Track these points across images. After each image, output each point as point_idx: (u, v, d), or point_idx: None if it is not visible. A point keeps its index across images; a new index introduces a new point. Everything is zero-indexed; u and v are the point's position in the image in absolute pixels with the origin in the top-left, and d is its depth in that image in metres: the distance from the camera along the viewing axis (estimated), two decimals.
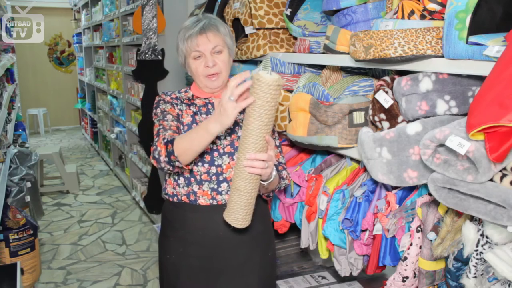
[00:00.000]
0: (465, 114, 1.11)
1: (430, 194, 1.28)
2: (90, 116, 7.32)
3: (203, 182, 1.47)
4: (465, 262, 1.13)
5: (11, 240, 2.60)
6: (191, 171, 1.47)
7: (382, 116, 1.34)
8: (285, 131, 1.77)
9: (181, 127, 1.49)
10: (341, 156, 1.74)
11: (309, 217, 1.65)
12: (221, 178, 1.47)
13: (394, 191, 1.41)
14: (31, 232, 2.70)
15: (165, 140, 1.35)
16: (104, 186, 5.28)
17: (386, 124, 1.33)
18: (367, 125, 1.47)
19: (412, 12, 1.19)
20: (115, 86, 5.10)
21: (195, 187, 1.48)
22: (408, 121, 1.27)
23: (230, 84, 1.16)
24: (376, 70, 1.66)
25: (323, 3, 1.54)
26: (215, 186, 1.47)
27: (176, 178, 1.51)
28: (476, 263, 1.08)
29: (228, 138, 1.49)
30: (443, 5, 1.12)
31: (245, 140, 1.19)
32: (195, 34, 1.46)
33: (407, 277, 1.29)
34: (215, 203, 1.48)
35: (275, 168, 1.41)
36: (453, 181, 1.02)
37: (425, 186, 1.29)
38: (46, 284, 3.05)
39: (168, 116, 1.47)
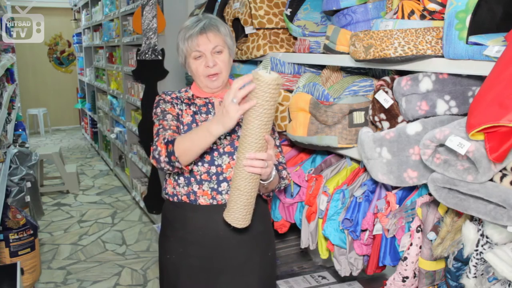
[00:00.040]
0: (465, 114, 1.11)
1: (430, 194, 1.28)
2: (90, 116, 7.32)
3: (203, 182, 1.47)
4: (465, 262, 1.13)
5: (11, 240, 2.60)
6: (191, 171, 1.47)
7: (382, 116, 1.34)
8: (285, 131, 1.77)
9: (181, 127, 1.49)
10: (341, 156, 1.74)
11: (309, 217, 1.65)
12: (221, 177, 1.47)
13: (394, 191, 1.41)
14: (31, 232, 2.70)
15: (166, 140, 1.35)
16: (104, 186, 5.28)
17: (386, 124, 1.33)
18: (367, 125, 1.47)
19: (412, 12, 1.19)
20: (115, 86, 5.10)
21: (195, 187, 1.48)
22: (408, 121, 1.27)
23: (233, 87, 1.16)
24: (376, 70, 1.66)
25: (323, 3, 1.54)
26: (215, 186, 1.47)
27: (176, 178, 1.51)
28: (476, 263, 1.08)
29: (228, 137, 1.49)
30: (443, 5, 1.12)
31: (245, 139, 1.19)
32: (196, 34, 1.46)
33: (407, 277, 1.29)
34: (215, 203, 1.48)
35: (275, 168, 1.41)
36: (453, 181, 1.02)
37: (425, 186, 1.29)
38: (46, 284, 3.06)
39: (168, 116, 1.47)
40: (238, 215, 1.27)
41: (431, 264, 1.24)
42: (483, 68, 1.00)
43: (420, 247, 1.26)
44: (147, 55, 3.22)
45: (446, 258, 1.20)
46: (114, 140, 5.32)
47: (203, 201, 1.48)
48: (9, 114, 4.12)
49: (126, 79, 4.44)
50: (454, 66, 1.09)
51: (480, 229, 1.08)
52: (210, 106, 1.54)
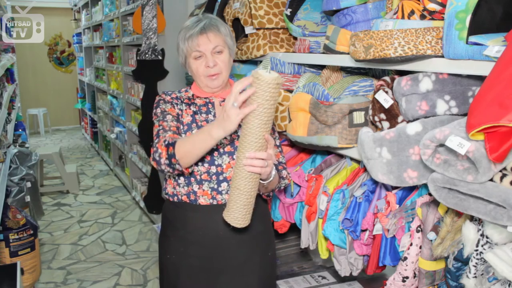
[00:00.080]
0: (465, 114, 1.11)
1: (430, 194, 1.28)
2: (90, 116, 7.32)
3: (203, 182, 1.47)
4: (465, 262, 1.14)
5: (11, 240, 2.60)
6: (191, 171, 1.47)
7: (382, 116, 1.34)
8: (285, 131, 1.77)
9: (181, 127, 1.49)
10: (341, 156, 1.74)
11: (309, 217, 1.65)
12: (221, 177, 1.47)
13: (394, 191, 1.41)
14: (31, 232, 2.70)
15: (166, 142, 1.35)
16: (104, 186, 5.28)
17: (386, 124, 1.33)
18: (367, 125, 1.47)
19: (412, 12, 1.19)
20: (115, 86, 5.10)
21: (195, 187, 1.48)
22: (408, 121, 1.27)
23: (234, 90, 1.16)
24: (376, 70, 1.66)
25: (323, 3, 1.54)
26: (215, 186, 1.47)
27: (176, 178, 1.51)
28: (476, 263, 1.08)
29: (228, 137, 1.49)
30: (443, 5, 1.12)
31: (245, 139, 1.20)
32: (196, 34, 1.46)
33: (407, 277, 1.29)
34: (215, 202, 1.48)
35: (274, 168, 1.41)
36: (453, 181, 1.02)
37: (425, 186, 1.29)
38: (46, 284, 3.06)
39: (168, 117, 1.47)
40: (238, 214, 1.27)
41: (431, 264, 1.24)
42: (483, 68, 1.00)
43: (420, 247, 1.26)
44: (147, 55, 3.22)
45: (446, 258, 1.20)
46: (114, 140, 5.32)
47: (203, 201, 1.48)
48: (9, 114, 4.12)
49: (126, 79, 4.44)
50: (454, 66, 1.09)
51: (480, 229, 1.08)
52: (210, 106, 1.54)
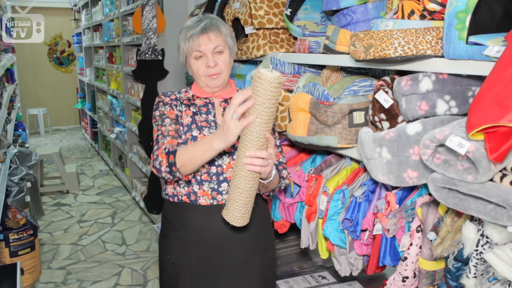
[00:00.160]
0: (465, 114, 1.11)
1: (430, 194, 1.28)
2: (90, 116, 7.32)
3: (203, 182, 1.47)
4: (465, 262, 1.14)
5: (11, 240, 2.60)
6: (191, 177, 1.48)
7: (382, 116, 1.34)
8: (285, 131, 1.77)
9: (181, 128, 1.49)
10: (341, 156, 1.74)
11: (309, 217, 1.65)
12: (221, 178, 1.47)
13: (394, 191, 1.41)
14: (31, 232, 2.70)
15: (167, 150, 1.37)
16: (104, 186, 5.28)
17: (386, 124, 1.33)
18: (367, 125, 1.47)
19: (412, 12, 1.19)
20: (115, 86, 5.10)
21: (196, 187, 1.48)
22: (408, 121, 1.27)
23: (233, 102, 1.17)
24: (376, 70, 1.66)
25: (323, 3, 1.54)
26: (216, 186, 1.47)
27: None
28: (476, 263, 1.08)
29: None
30: (443, 5, 1.12)
31: (245, 138, 1.20)
32: (197, 34, 1.46)
33: (407, 277, 1.29)
34: (215, 203, 1.48)
35: (275, 167, 1.41)
36: (453, 181, 1.02)
37: (425, 186, 1.29)
38: (46, 284, 3.06)
39: (166, 120, 1.47)
40: (237, 213, 1.27)
41: (431, 264, 1.24)
42: (483, 68, 1.00)
43: (420, 247, 1.26)
44: (147, 55, 3.22)
45: (446, 258, 1.20)
46: (114, 140, 5.32)
47: (203, 201, 1.48)
48: (9, 114, 4.12)
49: (126, 79, 4.44)
50: (454, 66, 1.09)
51: (480, 229, 1.08)
52: (210, 106, 1.55)
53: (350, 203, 1.48)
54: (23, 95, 8.33)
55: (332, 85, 1.68)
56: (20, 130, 4.99)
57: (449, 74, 1.17)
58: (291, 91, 1.78)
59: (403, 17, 1.21)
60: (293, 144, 1.84)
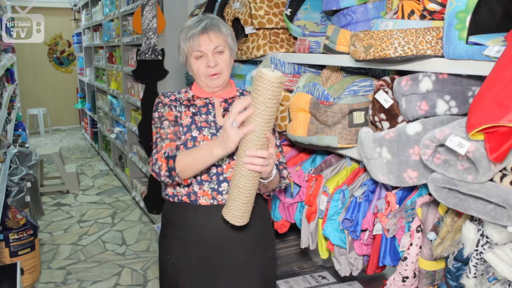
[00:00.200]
0: (465, 114, 1.11)
1: (430, 194, 1.28)
2: (90, 116, 7.32)
3: (204, 182, 1.47)
4: (465, 262, 1.14)
5: (11, 240, 2.60)
6: (190, 182, 1.48)
7: (382, 116, 1.34)
8: (285, 131, 1.77)
9: (180, 129, 1.49)
10: (341, 156, 1.74)
11: (309, 217, 1.65)
12: (221, 178, 1.47)
13: (394, 191, 1.41)
14: (31, 232, 2.70)
15: (166, 155, 1.38)
16: (104, 186, 5.28)
17: (386, 124, 1.33)
18: (367, 125, 1.47)
19: (412, 12, 1.19)
20: (115, 86, 5.10)
21: (196, 187, 1.48)
22: (408, 121, 1.27)
23: (233, 111, 1.18)
24: (376, 70, 1.66)
25: (323, 3, 1.54)
26: (216, 186, 1.47)
27: None
28: (476, 263, 1.08)
29: None
30: (443, 5, 1.12)
31: (246, 137, 1.20)
32: (197, 34, 1.46)
33: (407, 277, 1.29)
34: (215, 203, 1.48)
35: (275, 167, 1.41)
36: (453, 181, 1.02)
37: (425, 186, 1.29)
38: (46, 284, 3.06)
39: (165, 123, 1.48)
40: (237, 212, 1.27)
41: (431, 264, 1.24)
42: (483, 68, 1.00)
43: (420, 247, 1.26)
44: (147, 55, 3.22)
45: (446, 258, 1.20)
46: (114, 140, 5.32)
47: (203, 201, 1.48)
48: (9, 114, 4.12)
49: (126, 79, 4.44)
50: (454, 66, 1.09)
51: (480, 229, 1.08)
52: (210, 106, 1.55)
53: (350, 203, 1.48)
54: (23, 95, 8.33)
55: (332, 85, 1.68)
56: (20, 130, 4.99)
57: (449, 74, 1.17)
58: (291, 91, 1.78)
59: (403, 17, 1.21)
60: (293, 144, 1.84)
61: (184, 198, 1.50)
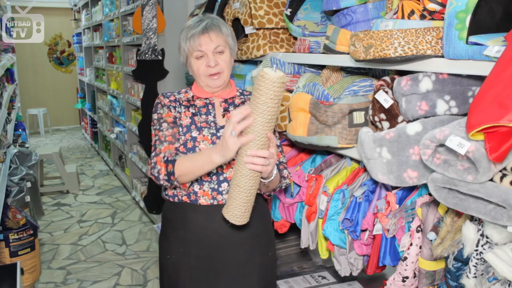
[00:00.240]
0: (465, 114, 1.11)
1: (430, 194, 1.28)
2: (90, 116, 7.32)
3: (204, 182, 1.47)
4: (465, 262, 1.14)
5: (11, 240, 2.60)
6: (189, 186, 1.48)
7: (382, 116, 1.34)
8: (285, 131, 1.77)
9: (180, 129, 1.49)
10: (341, 156, 1.74)
11: (309, 217, 1.65)
12: (221, 178, 1.47)
13: (394, 191, 1.41)
14: (31, 232, 2.70)
15: (165, 159, 1.39)
16: (104, 186, 5.28)
17: (386, 124, 1.33)
18: (367, 125, 1.47)
19: (412, 12, 1.19)
20: (115, 86, 5.10)
21: (196, 187, 1.48)
22: (408, 121, 1.27)
23: (232, 120, 1.19)
24: (376, 70, 1.66)
25: (323, 3, 1.54)
26: (216, 186, 1.47)
27: None
28: (476, 263, 1.08)
29: None
30: (443, 5, 1.12)
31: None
32: (198, 34, 1.46)
33: (407, 277, 1.29)
34: (215, 203, 1.48)
35: (276, 167, 1.41)
36: (453, 181, 1.02)
37: (425, 186, 1.29)
38: (46, 284, 3.05)
39: (163, 125, 1.48)
40: (237, 212, 1.27)
41: (431, 264, 1.24)
42: (483, 68, 1.00)
43: (420, 247, 1.26)
44: (147, 55, 3.22)
45: (446, 258, 1.20)
46: (114, 140, 5.32)
47: (203, 201, 1.48)
48: (9, 114, 4.12)
49: (126, 79, 4.44)
50: (454, 66, 1.09)
51: (480, 229, 1.08)
52: (210, 107, 1.55)
53: (350, 203, 1.48)
54: (23, 95, 8.33)
55: (332, 85, 1.68)
56: (20, 130, 4.99)
57: (449, 74, 1.17)
58: (291, 91, 1.78)
59: (403, 17, 1.21)
60: (293, 144, 1.84)
61: (184, 198, 1.50)
